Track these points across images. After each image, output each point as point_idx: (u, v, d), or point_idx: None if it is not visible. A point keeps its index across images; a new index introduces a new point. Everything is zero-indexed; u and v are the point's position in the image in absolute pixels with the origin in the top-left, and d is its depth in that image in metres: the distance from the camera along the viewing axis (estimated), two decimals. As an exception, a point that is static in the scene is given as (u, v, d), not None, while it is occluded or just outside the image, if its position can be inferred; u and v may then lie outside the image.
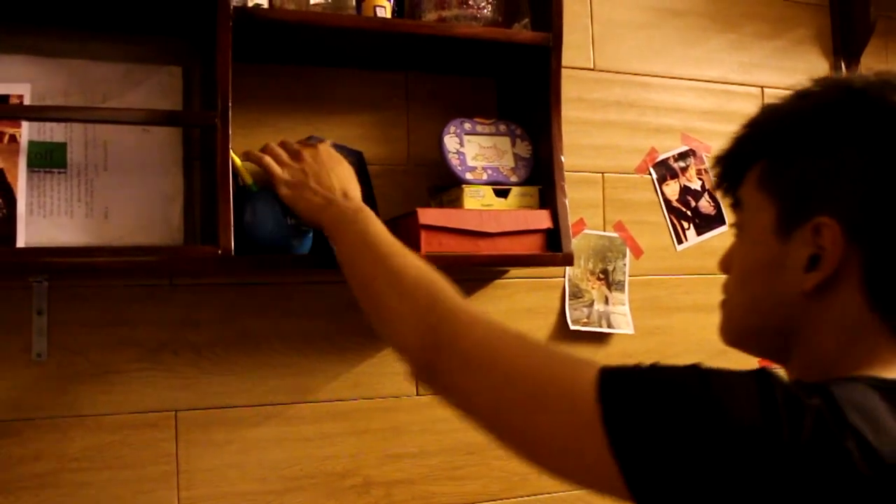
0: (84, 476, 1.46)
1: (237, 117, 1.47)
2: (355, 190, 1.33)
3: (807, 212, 0.81)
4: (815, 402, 0.68)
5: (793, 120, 0.86)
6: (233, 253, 1.33)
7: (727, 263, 0.94)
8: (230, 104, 1.35)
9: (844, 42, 2.15)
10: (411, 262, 1.09)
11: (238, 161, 1.43)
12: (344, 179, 1.33)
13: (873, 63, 2.18)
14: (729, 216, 1.92)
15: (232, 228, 1.33)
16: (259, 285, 1.58)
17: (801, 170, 0.83)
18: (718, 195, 0.99)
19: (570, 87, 1.81)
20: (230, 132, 1.35)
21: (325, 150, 1.37)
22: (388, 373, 1.65)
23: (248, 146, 1.54)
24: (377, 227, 1.18)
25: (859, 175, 0.78)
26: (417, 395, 1.66)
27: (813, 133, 0.83)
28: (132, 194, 1.45)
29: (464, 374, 0.91)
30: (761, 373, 0.72)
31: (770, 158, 0.87)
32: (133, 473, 1.48)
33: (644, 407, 0.71)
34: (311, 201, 1.30)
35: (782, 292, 0.84)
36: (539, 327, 1.79)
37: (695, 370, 0.73)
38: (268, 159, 1.37)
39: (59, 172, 1.41)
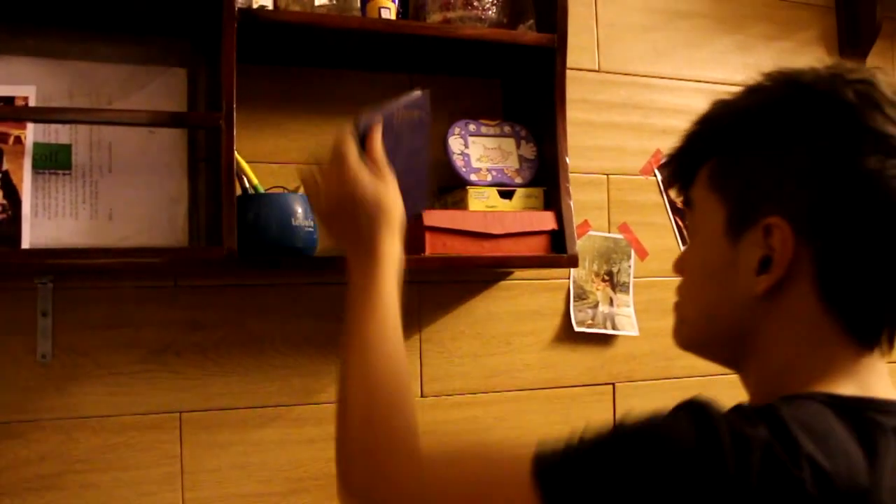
0: (89, 477, 1.46)
1: (242, 118, 1.47)
2: (386, 238, 1.07)
3: (756, 212, 0.77)
4: (761, 432, 0.65)
5: (741, 116, 0.82)
6: (237, 254, 1.33)
7: (681, 266, 0.90)
8: (235, 105, 1.35)
9: (850, 43, 2.14)
10: (381, 364, 0.96)
11: (243, 162, 1.43)
12: (376, 223, 1.06)
13: (879, 64, 2.18)
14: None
15: (236, 230, 1.33)
16: (263, 287, 1.58)
17: (749, 168, 0.79)
18: (672, 195, 0.92)
19: (575, 89, 1.81)
20: (234, 133, 1.35)
21: (373, 188, 1.07)
22: (392, 374, 1.65)
23: (253, 147, 1.55)
24: (377, 306, 1.03)
25: (808, 173, 0.75)
26: (422, 396, 1.66)
27: (761, 130, 0.79)
28: (137, 196, 1.45)
29: (399, 494, 0.87)
30: (698, 411, 0.68)
31: (720, 157, 0.83)
32: (137, 475, 1.49)
33: (586, 496, 0.68)
34: (336, 241, 1.13)
35: (735, 296, 0.80)
36: (543, 329, 1.78)
37: (624, 436, 0.70)
38: (308, 180, 1.12)
39: (64, 174, 1.41)
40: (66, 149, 1.41)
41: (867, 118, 0.74)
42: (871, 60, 2.14)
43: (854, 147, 0.74)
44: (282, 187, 1.49)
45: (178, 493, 1.51)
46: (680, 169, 0.88)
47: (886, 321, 0.77)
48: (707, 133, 0.85)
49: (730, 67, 2.02)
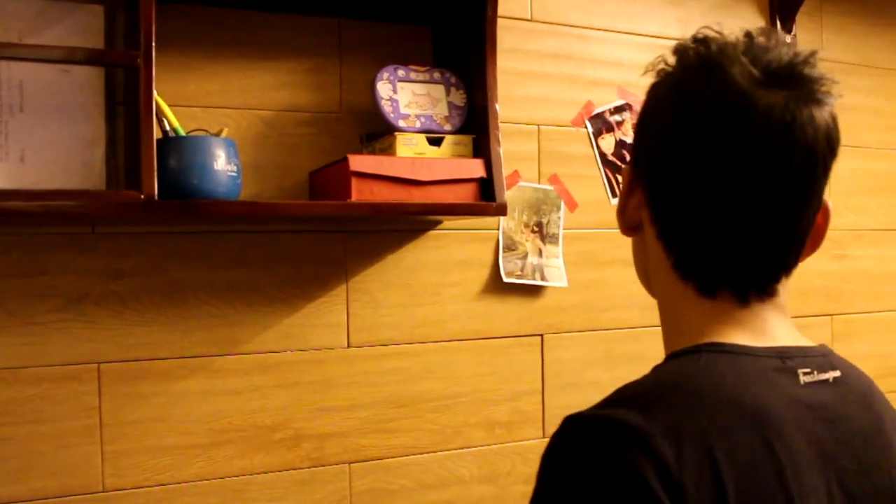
0: (3, 431, 1.41)
1: (163, 61, 1.42)
2: None
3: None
4: (604, 456, 0.66)
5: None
6: (156, 198, 1.29)
7: None
8: (154, 43, 1.30)
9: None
10: None
11: (163, 104, 1.38)
12: None
13: (808, 22, 2.20)
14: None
15: (155, 173, 1.29)
16: (186, 234, 1.53)
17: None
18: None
19: (507, 38, 1.79)
20: (154, 73, 1.30)
21: None
22: (318, 324, 1.62)
23: (176, 91, 1.50)
24: None
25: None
26: (348, 346, 1.64)
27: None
28: (51, 138, 1.39)
29: None
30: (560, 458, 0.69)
31: None
32: (55, 427, 1.44)
33: None
34: None
35: (636, 242, 0.90)
36: (472, 279, 1.77)
37: None
38: None
39: (-28, 113, 1.35)
40: (-27, 87, 1.35)
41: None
42: (801, 18, 2.16)
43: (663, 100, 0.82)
44: (204, 130, 1.45)
45: (98, 445, 1.47)
46: None
47: (717, 269, 0.78)
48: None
49: (662, 21, 2.02)
